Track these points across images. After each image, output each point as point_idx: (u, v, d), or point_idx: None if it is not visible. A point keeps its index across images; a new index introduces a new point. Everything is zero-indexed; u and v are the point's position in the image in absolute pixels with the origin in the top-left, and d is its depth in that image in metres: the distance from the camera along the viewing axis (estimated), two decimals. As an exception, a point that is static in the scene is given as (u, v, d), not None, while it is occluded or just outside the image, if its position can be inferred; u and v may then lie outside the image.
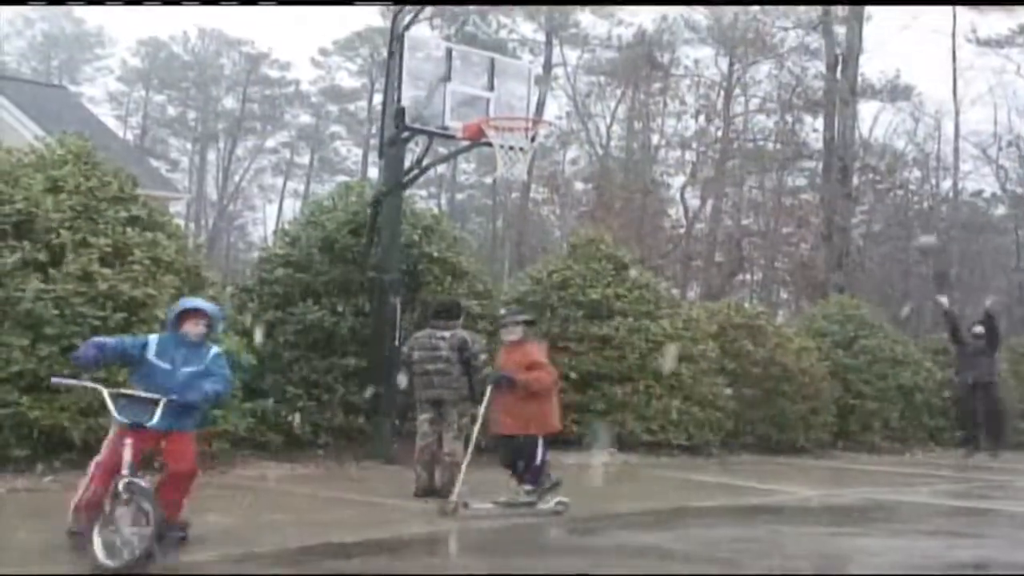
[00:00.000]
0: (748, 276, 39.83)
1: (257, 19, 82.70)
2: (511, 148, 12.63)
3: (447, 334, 10.12)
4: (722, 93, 37.91)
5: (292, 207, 53.25)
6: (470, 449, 9.52)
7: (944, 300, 20.28)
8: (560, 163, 44.50)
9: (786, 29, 36.48)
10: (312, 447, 12.90)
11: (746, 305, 21.16)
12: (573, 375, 15.38)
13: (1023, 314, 35.83)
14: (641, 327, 15.72)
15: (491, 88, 13.47)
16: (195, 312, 7.28)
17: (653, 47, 38.63)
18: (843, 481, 14.80)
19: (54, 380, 7.63)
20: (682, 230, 36.63)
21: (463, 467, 9.35)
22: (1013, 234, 41.75)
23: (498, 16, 43.32)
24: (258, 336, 12.27)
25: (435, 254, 14.03)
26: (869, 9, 31.90)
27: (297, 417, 12.67)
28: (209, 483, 7.92)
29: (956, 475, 16.10)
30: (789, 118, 36.42)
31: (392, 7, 15.59)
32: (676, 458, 15.37)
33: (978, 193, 43.22)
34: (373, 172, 39.10)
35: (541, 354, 9.71)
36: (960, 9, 35.59)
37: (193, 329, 7.20)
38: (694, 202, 37.22)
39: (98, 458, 7.11)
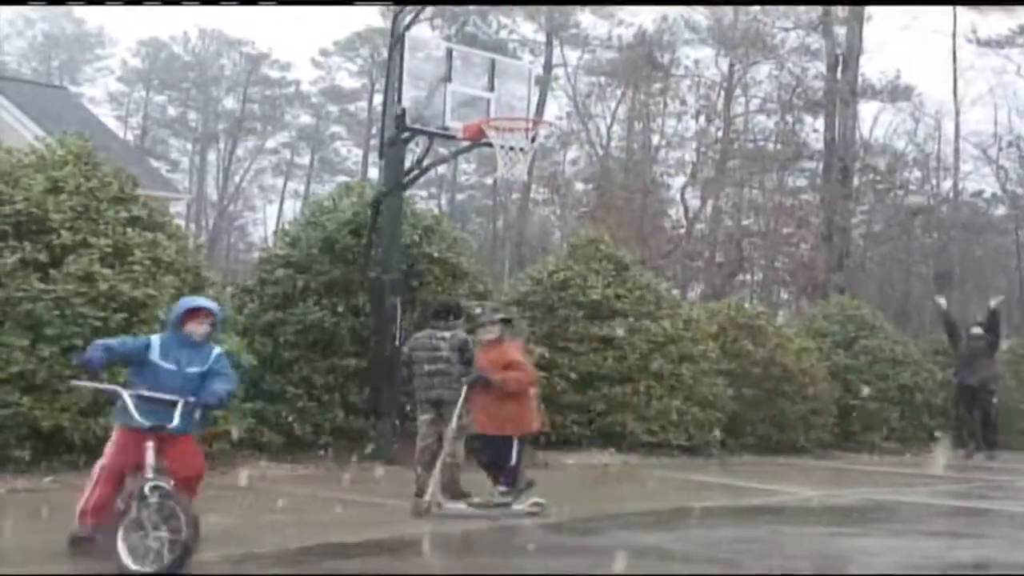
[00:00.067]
0: (748, 276, 39.78)
1: (257, 19, 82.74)
2: (511, 148, 12.64)
3: (447, 335, 10.10)
4: (722, 93, 37.89)
5: (292, 208, 53.37)
6: (444, 450, 9.42)
7: (942, 301, 20.21)
8: (560, 163, 44.50)
9: (786, 29, 36.48)
10: (312, 448, 12.90)
11: (746, 305, 21.14)
12: (573, 375, 15.41)
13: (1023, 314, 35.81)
14: (641, 327, 15.73)
15: (491, 88, 13.48)
16: (199, 311, 7.18)
17: (653, 47, 38.60)
18: (843, 481, 14.80)
19: (73, 383, 7.49)
20: (682, 230, 36.58)
21: (438, 467, 9.27)
22: (1013, 234, 41.73)
23: (498, 16, 43.32)
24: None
25: (435, 255, 14.03)
26: (869, 9, 31.93)
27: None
28: (210, 484, 7.91)
29: (956, 476, 16.10)
30: (789, 118, 36.38)
31: (392, 7, 15.61)
32: (676, 458, 15.37)
33: (978, 193, 43.22)
34: (373, 172, 39.11)
35: (518, 353, 9.62)
36: (960, 9, 35.60)
37: (197, 329, 7.11)
38: (694, 202, 37.19)
39: (102, 461, 7.03)
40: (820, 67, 34.97)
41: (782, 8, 35.41)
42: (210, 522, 7.78)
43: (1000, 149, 39.63)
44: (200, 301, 7.53)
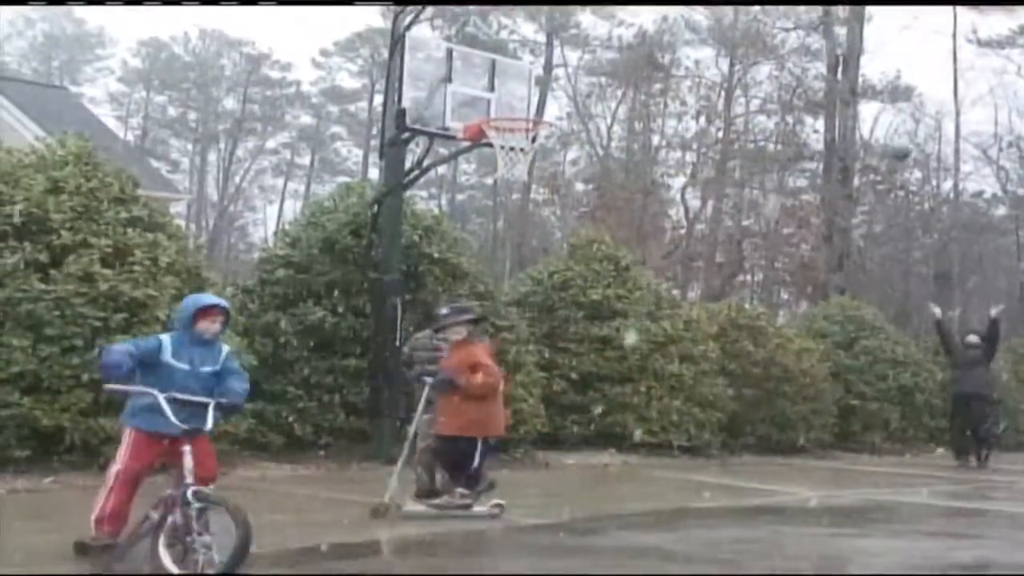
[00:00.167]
0: (749, 277, 39.79)
1: (257, 20, 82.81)
2: (512, 149, 12.65)
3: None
4: (723, 94, 37.88)
5: (293, 208, 53.37)
6: (405, 451, 9.35)
7: (937, 311, 19.93)
8: (561, 164, 44.49)
9: (787, 30, 36.47)
10: (313, 448, 12.90)
11: (747, 306, 21.18)
12: (573, 376, 15.42)
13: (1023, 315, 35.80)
14: (642, 328, 15.73)
15: (492, 89, 13.48)
16: (211, 309, 6.99)
17: (654, 48, 38.58)
18: (843, 482, 14.82)
19: (107, 388, 6.98)
20: (683, 231, 36.59)
21: (398, 467, 9.18)
22: (1014, 235, 41.71)
23: (499, 17, 43.30)
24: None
25: (436, 255, 14.02)
26: (870, 10, 31.92)
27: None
28: (210, 484, 7.92)
29: (956, 476, 16.11)
30: (790, 119, 36.38)
31: (392, 8, 15.61)
32: (677, 459, 15.38)
33: (979, 194, 43.21)
34: (374, 173, 39.13)
35: (486, 355, 9.42)
36: (961, 10, 35.58)
37: (210, 327, 6.92)
38: (695, 203, 37.20)
39: (117, 466, 6.79)
40: (820, 67, 34.99)
41: (782, 8, 35.42)
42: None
43: (1000, 150, 39.66)
44: (212, 299, 7.31)
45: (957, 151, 38.86)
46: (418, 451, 10.14)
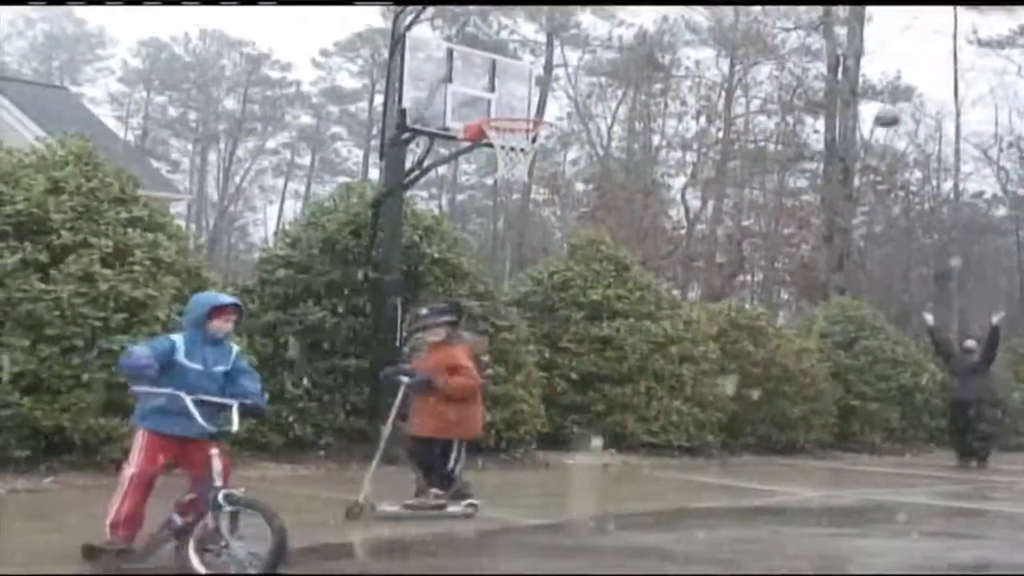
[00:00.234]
0: (749, 277, 39.84)
1: (258, 20, 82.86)
2: (512, 149, 12.64)
3: (466, 335, 10.04)
4: (723, 94, 37.92)
5: (293, 208, 53.43)
6: (379, 452, 9.30)
7: (929, 318, 19.81)
8: (561, 164, 44.51)
9: (787, 30, 36.52)
10: (313, 448, 12.89)
11: (747, 306, 21.17)
12: (573, 376, 15.42)
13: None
14: (642, 328, 15.74)
15: (492, 89, 13.47)
16: (225, 308, 6.86)
17: (654, 48, 38.62)
18: (844, 482, 14.82)
19: (135, 391, 6.81)
20: (683, 231, 36.62)
21: (372, 468, 9.12)
22: (1014, 235, 41.73)
23: (499, 17, 43.33)
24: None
25: (436, 255, 14.02)
26: (870, 10, 31.92)
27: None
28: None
29: (956, 476, 16.11)
30: (790, 119, 36.43)
31: (393, 8, 15.61)
32: (677, 459, 15.38)
33: (979, 194, 43.24)
34: (374, 173, 39.13)
35: (465, 356, 9.32)
36: (961, 10, 35.63)
37: (223, 326, 6.79)
38: (695, 203, 37.23)
39: (131, 469, 6.63)
40: (821, 68, 35.01)
41: (783, 9, 35.45)
42: (211, 522, 7.80)
43: (1001, 150, 39.71)
44: (227, 298, 7.17)
45: (957, 151, 38.94)
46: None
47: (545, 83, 39.98)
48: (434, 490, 9.19)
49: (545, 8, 40.94)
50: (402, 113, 12.89)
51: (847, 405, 19.32)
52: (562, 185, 39.44)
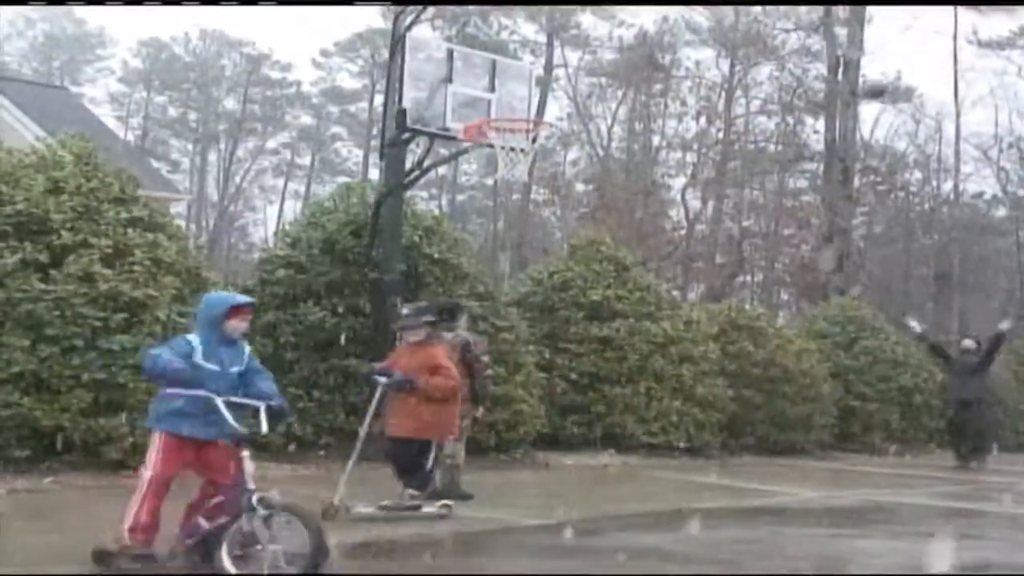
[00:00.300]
0: (749, 278, 39.84)
1: (258, 20, 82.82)
2: (512, 149, 12.63)
3: (449, 335, 10.08)
4: (723, 95, 37.92)
5: (293, 208, 53.42)
6: (356, 451, 9.23)
7: (914, 324, 19.66)
8: (561, 164, 44.52)
9: (787, 31, 36.49)
10: (313, 448, 12.89)
11: (747, 307, 21.18)
12: (573, 376, 15.42)
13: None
14: (642, 328, 15.74)
15: (492, 89, 13.46)
16: (242, 308, 6.79)
17: (654, 48, 38.63)
18: (844, 483, 14.81)
19: (167, 393, 6.65)
20: (683, 232, 36.64)
21: (348, 468, 9.07)
22: (1014, 236, 41.73)
23: (499, 17, 43.31)
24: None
25: (436, 255, 14.03)
26: (870, 10, 31.91)
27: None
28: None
29: (956, 477, 16.10)
30: (790, 120, 36.44)
31: (393, 8, 15.61)
32: (677, 460, 15.38)
33: (979, 195, 43.24)
34: (374, 173, 39.13)
35: (445, 357, 9.32)
36: (961, 10, 35.61)
37: (239, 326, 6.73)
38: (695, 203, 37.25)
39: (149, 472, 6.54)
40: (821, 68, 35.01)
41: (783, 9, 35.43)
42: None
43: (1001, 150, 39.72)
44: (242, 297, 7.07)
45: (957, 152, 38.95)
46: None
47: (545, 83, 39.97)
48: (409, 491, 9.18)
49: (545, 8, 40.92)
50: (402, 113, 12.88)
51: (847, 406, 19.32)
52: (562, 185, 39.45)
